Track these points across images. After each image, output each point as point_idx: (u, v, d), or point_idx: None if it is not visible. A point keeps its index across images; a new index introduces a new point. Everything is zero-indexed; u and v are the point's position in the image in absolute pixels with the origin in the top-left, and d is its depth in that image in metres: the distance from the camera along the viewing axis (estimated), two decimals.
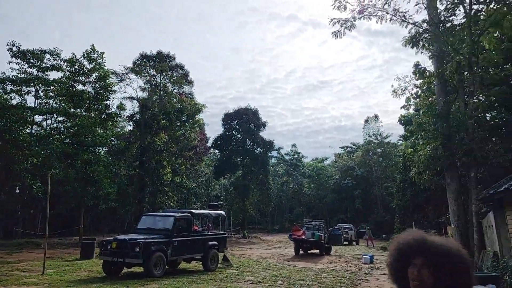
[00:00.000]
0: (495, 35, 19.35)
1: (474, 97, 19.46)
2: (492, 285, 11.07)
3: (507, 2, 17.25)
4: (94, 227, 38.51)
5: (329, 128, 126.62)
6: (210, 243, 15.35)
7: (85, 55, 27.83)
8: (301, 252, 23.85)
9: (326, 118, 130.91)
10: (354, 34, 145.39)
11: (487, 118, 22.37)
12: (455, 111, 20.19)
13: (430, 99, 22.21)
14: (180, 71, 37.44)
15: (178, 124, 33.98)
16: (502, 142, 19.43)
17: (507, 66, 20.34)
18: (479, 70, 19.56)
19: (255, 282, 12.65)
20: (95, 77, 28.46)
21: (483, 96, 21.51)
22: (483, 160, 17.96)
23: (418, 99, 23.76)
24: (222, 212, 18.69)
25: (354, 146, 67.21)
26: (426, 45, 20.98)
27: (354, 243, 37.56)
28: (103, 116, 29.15)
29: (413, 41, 21.01)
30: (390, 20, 19.81)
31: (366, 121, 62.42)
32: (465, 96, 19.55)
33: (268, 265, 17.71)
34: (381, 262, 20.10)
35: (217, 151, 45.83)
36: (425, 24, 20.35)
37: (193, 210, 16.55)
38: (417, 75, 22.72)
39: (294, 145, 67.73)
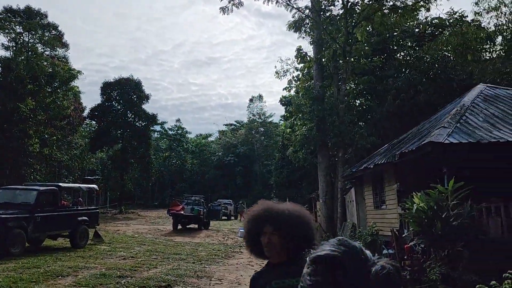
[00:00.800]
0: (367, 28, 21.18)
1: (346, 84, 21.18)
2: None
3: None
4: None
5: (216, 105, 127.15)
6: (80, 218, 14.32)
7: None
8: (179, 227, 23.77)
9: (213, 95, 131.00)
10: (244, 13, 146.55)
11: (356, 104, 24.62)
12: (330, 95, 21.72)
13: (308, 82, 23.55)
14: (53, 31, 33.68)
15: (49, 90, 30.73)
16: (366, 127, 21.59)
17: (375, 58, 22.48)
18: (352, 59, 21.22)
19: (128, 257, 12.22)
20: None
21: (354, 83, 23.54)
22: (350, 142, 19.76)
23: (298, 82, 25.03)
24: (95, 186, 17.54)
25: (238, 124, 68.78)
26: (308, 31, 22.06)
27: (232, 218, 38.79)
28: None
29: (296, 26, 21.93)
30: (276, 2, 20.32)
31: (251, 100, 64.18)
32: (339, 83, 21.12)
33: (143, 240, 17.26)
34: None
35: (94, 122, 42.79)
36: (307, 11, 21.32)
37: (60, 184, 15.21)
38: (299, 59, 23.85)
39: (178, 120, 66.70)
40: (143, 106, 41.14)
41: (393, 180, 12.42)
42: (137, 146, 40.01)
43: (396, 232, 11.00)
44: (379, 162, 12.18)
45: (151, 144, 45.02)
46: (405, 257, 10.24)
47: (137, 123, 41.07)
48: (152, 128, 46.54)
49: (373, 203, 14.97)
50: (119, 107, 40.62)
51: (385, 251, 10.99)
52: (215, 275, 10.39)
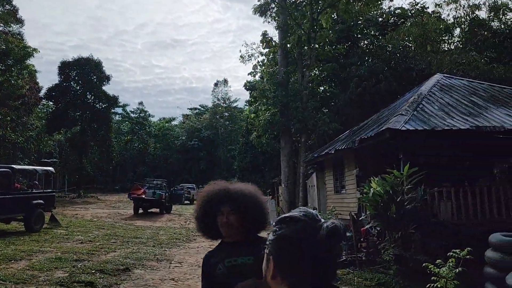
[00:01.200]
0: (332, 16, 21.37)
1: (310, 70, 21.37)
2: None
3: None
4: None
5: (180, 89, 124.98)
6: (35, 201, 13.80)
7: None
8: (140, 211, 23.45)
9: (177, 78, 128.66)
10: None
11: (320, 90, 24.93)
12: (294, 81, 21.87)
13: (273, 68, 23.57)
14: (7, 6, 31.85)
15: (2, 68, 29.16)
16: (329, 113, 21.94)
17: (339, 46, 22.76)
18: (316, 46, 21.39)
19: (85, 241, 11.95)
20: None
21: (318, 70, 23.78)
22: (313, 128, 20.04)
23: (263, 67, 24.98)
24: (51, 168, 16.94)
25: (202, 108, 68.09)
26: (274, 15, 22.00)
27: (195, 202, 38.61)
28: None
29: (262, 10, 21.82)
30: None
31: (216, 84, 63.60)
32: (303, 69, 21.29)
33: (102, 224, 16.91)
34: None
35: (51, 103, 41.07)
36: None
37: (14, 166, 14.58)
38: (264, 44, 23.79)
39: (141, 103, 65.30)
40: (104, 88, 39.87)
41: (353, 166, 12.74)
42: (97, 129, 38.84)
43: (354, 216, 11.33)
44: (340, 148, 12.45)
45: (112, 127, 43.84)
46: (362, 239, 10.59)
47: (97, 105, 39.78)
48: (113, 110, 45.27)
49: (333, 188, 15.32)
50: (78, 87, 39.14)
51: None
52: (175, 258, 10.36)
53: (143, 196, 22.74)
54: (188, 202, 37.01)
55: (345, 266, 9.63)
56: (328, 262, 1.08)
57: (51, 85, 38.35)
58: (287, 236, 1.09)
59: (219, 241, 2.62)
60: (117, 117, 58.67)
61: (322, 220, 1.11)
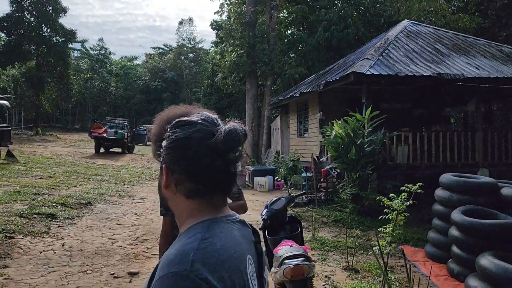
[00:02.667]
0: None
1: (279, 12, 20.84)
2: (270, 176, 12.90)
3: None
4: None
5: (142, 26, 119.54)
6: None
7: None
8: (102, 150, 23.08)
9: (139, 15, 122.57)
10: None
11: (287, 33, 24.49)
12: (261, 22, 21.30)
13: (241, 7, 22.74)
14: None
15: None
16: (296, 57, 21.76)
17: None
18: None
19: (45, 177, 11.72)
20: None
21: (287, 12, 23.21)
22: (279, 71, 19.90)
23: (230, 6, 24.07)
24: (6, 102, 16.16)
25: (166, 48, 65.66)
26: None
27: None
28: None
29: None
30: None
31: (181, 23, 61.02)
32: (271, 10, 20.70)
33: (62, 162, 16.58)
34: None
35: (3, 34, 38.32)
36: None
37: None
38: None
39: (101, 40, 62.14)
40: (60, 21, 37.42)
41: (316, 110, 12.89)
42: (54, 64, 36.88)
43: (316, 158, 11.66)
44: (305, 91, 12.49)
45: (70, 63, 41.78)
46: (322, 180, 10.98)
47: (53, 39, 37.51)
48: (71, 45, 42.85)
49: (296, 131, 15.56)
50: (32, 19, 36.54)
51: (303, 175, 11.66)
52: (137, 195, 10.41)
53: (105, 135, 22.29)
54: (151, 143, 36.70)
55: (304, 204, 10.04)
56: (226, 167, 1.00)
57: (2, 15, 35.58)
58: (181, 139, 0.99)
59: None
60: (75, 53, 55.76)
61: (222, 124, 1.04)
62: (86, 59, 59.41)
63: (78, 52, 57.82)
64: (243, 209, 2.83)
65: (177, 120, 1.04)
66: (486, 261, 4.37)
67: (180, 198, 1.02)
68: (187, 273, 0.84)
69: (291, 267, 3.02)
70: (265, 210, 3.74)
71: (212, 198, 1.03)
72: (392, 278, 5.01)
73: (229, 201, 2.85)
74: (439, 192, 6.12)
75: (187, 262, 0.86)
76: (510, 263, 4.24)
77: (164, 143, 1.03)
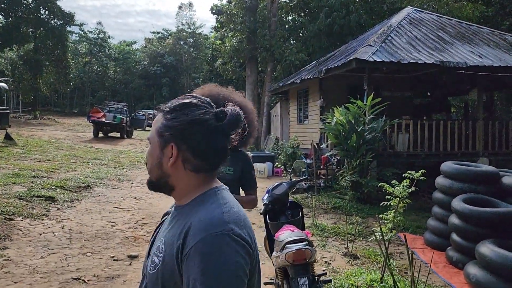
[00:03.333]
0: None
1: None
2: (269, 163, 12.89)
3: None
4: None
5: (142, 11, 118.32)
6: None
7: None
8: (100, 134, 23.00)
9: None
10: None
11: (288, 19, 24.25)
12: (263, 7, 21.07)
13: None
14: None
15: None
16: (297, 43, 21.58)
17: None
18: None
19: (44, 160, 11.68)
20: None
21: None
22: (280, 57, 19.74)
23: None
24: (4, 85, 16.02)
25: (166, 33, 65.01)
26: None
27: None
28: None
29: None
30: None
31: (180, 7, 60.41)
32: None
33: (61, 145, 16.51)
34: None
35: (0, 16, 37.86)
36: None
37: None
38: None
39: (100, 23, 61.62)
40: (59, 3, 36.96)
41: (317, 97, 12.81)
42: (52, 47, 36.55)
43: (316, 145, 11.63)
44: (306, 78, 12.40)
45: (69, 47, 41.38)
46: (321, 167, 10.97)
47: (52, 21, 37.09)
48: (69, 29, 42.38)
49: (296, 118, 15.50)
50: (30, 0, 36.08)
51: (304, 160, 11.64)
52: (137, 179, 10.39)
53: (103, 120, 22.19)
54: (150, 128, 36.61)
55: (304, 191, 10.04)
56: (227, 146, 1.16)
57: None
58: (197, 120, 1.10)
59: None
60: (74, 37, 55.21)
61: (214, 106, 1.17)
62: (84, 43, 58.84)
63: (77, 35, 57.23)
64: (253, 204, 2.80)
65: (180, 103, 1.16)
66: (486, 248, 4.38)
67: (186, 173, 1.14)
68: (226, 232, 1.02)
69: (293, 251, 3.00)
70: (267, 195, 3.72)
71: (213, 172, 1.19)
72: (392, 264, 5.03)
73: (242, 193, 2.82)
74: (440, 180, 6.11)
75: (223, 224, 1.03)
76: (510, 251, 4.25)
77: (170, 123, 1.13)
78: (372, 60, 9.04)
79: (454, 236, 5.31)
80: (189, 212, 1.11)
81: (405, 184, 4.37)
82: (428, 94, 14.52)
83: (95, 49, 58.16)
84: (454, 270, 5.11)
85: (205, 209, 1.08)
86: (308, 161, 11.13)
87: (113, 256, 4.86)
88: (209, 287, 0.96)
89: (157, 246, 1.14)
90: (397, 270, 4.90)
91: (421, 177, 4.46)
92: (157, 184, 1.18)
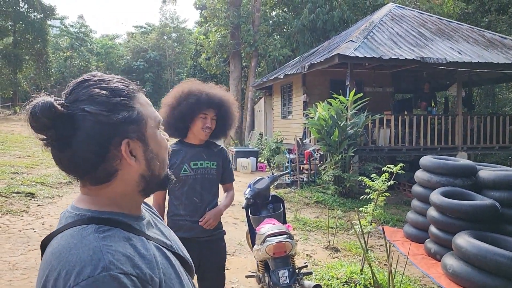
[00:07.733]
0: None
1: None
2: (253, 158, 12.92)
3: None
4: None
5: (124, 3, 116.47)
6: None
7: None
8: None
9: None
10: None
11: (272, 15, 24.24)
12: (246, 2, 21.01)
13: None
14: None
15: None
16: (280, 39, 21.61)
17: None
18: None
19: (23, 156, 11.49)
20: None
21: None
22: (264, 53, 19.75)
23: None
24: None
25: (149, 27, 64.31)
26: None
27: None
28: None
29: None
30: None
31: (164, 1, 59.74)
32: None
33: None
34: None
35: None
36: None
37: None
38: None
39: (81, 17, 60.35)
40: None
41: (300, 92, 12.88)
42: (32, 41, 35.82)
43: (299, 140, 11.70)
44: (289, 73, 12.44)
45: (49, 41, 40.59)
46: (305, 162, 11.06)
47: (31, 15, 36.33)
48: (50, 22, 41.58)
49: (280, 113, 15.56)
50: None
51: (287, 155, 11.70)
52: None
53: None
54: None
55: (287, 186, 10.11)
56: None
57: None
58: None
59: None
60: (54, 31, 54.14)
61: None
62: (65, 37, 57.77)
63: (58, 29, 56.14)
64: (232, 199, 2.81)
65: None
66: (462, 240, 4.50)
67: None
68: None
69: (274, 244, 3.05)
70: (248, 189, 3.75)
71: None
72: (372, 256, 5.12)
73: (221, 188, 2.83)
74: (419, 174, 6.23)
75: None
76: (485, 242, 4.37)
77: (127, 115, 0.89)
78: (354, 55, 9.13)
79: (432, 229, 5.43)
80: None
81: (384, 177, 4.45)
82: (409, 90, 14.69)
83: (77, 43, 57.11)
84: (432, 261, 5.23)
85: None
86: (292, 156, 11.20)
87: None
88: None
89: None
90: (376, 262, 5.00)
91: (400, 171, 4.55)
92: None
